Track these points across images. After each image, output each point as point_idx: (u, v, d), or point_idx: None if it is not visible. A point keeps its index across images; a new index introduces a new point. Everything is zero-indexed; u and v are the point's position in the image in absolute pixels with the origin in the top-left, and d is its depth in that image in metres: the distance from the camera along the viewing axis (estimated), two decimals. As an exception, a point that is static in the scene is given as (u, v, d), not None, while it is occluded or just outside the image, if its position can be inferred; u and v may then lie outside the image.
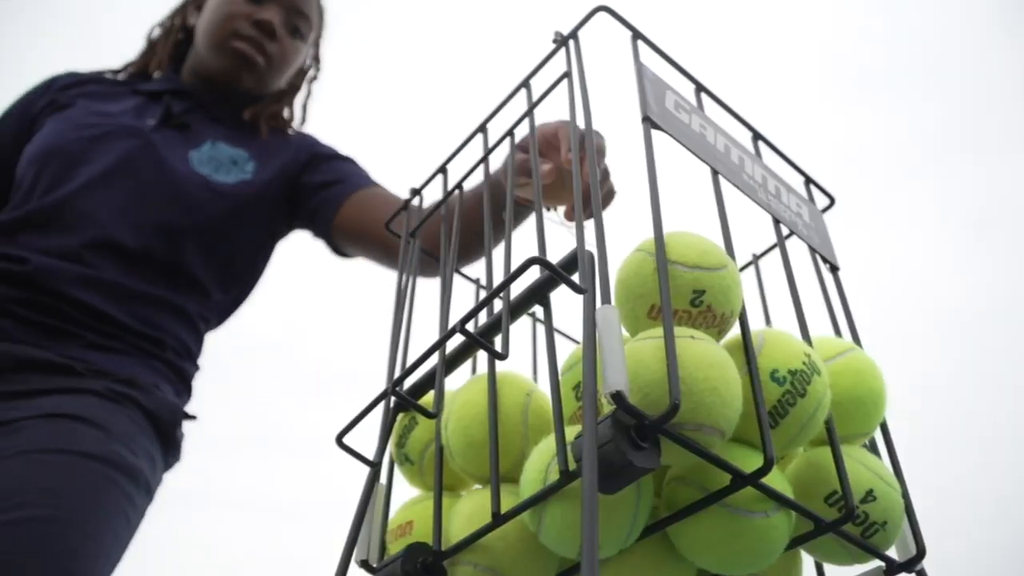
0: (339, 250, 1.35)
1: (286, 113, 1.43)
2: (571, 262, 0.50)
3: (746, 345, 0.47)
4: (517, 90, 0.68)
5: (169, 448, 1.08)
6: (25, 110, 1.35)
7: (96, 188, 1.17)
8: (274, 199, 1.31)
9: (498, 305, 0.54)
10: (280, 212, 1.33)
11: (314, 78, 1.47)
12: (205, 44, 1.33)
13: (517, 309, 0.54)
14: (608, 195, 0.87)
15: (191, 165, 1.24)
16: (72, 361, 1.02)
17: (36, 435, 0.91)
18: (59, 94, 1.34)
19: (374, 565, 0.54)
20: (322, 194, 1.31)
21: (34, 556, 0.80)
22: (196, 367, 1.22)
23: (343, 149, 1.43)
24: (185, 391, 1.19)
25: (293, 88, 1.44)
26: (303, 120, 1.47)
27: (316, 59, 1.47)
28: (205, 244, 1.22)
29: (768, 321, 0.69)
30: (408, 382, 0.61)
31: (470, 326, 0.49)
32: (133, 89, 1.35)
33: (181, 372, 1.17)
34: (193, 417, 1.16)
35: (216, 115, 1.34)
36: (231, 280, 1.28)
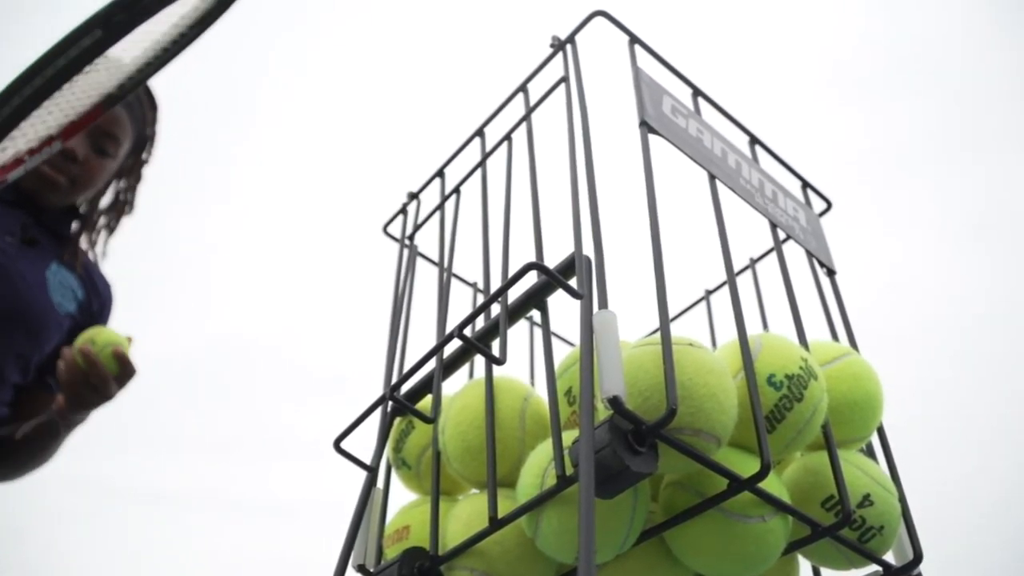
0: None
1: (99, 241, 1.47)
2: (569, 267, 0.50)
3: (743, 349, 0.47)
4: (515, 94, 0.68)
5: None
6: None
7: None
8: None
9: (496, 310, 0.54)
10: None
11: (145, 162, 1.48)
12: None
13: (515, 314, 0.54)
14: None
15: (48, 292, 1.29)
16: None
17: None
18: None
19: (371, 569, 0.54)
20: None
21: None
22: None
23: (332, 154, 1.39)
24: None
25: (115, 206, 1.47)
26: (130, 208, 1.49)
27: (151, 144, 1.46)
28: (39, 366, 1.30)
29: (765, 326, 0.69)
30: (405, 387, 0.61)
31: (467, 331, 0.49)
32: None
33: None
34: None
35: (48, 228, 1.37)
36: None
